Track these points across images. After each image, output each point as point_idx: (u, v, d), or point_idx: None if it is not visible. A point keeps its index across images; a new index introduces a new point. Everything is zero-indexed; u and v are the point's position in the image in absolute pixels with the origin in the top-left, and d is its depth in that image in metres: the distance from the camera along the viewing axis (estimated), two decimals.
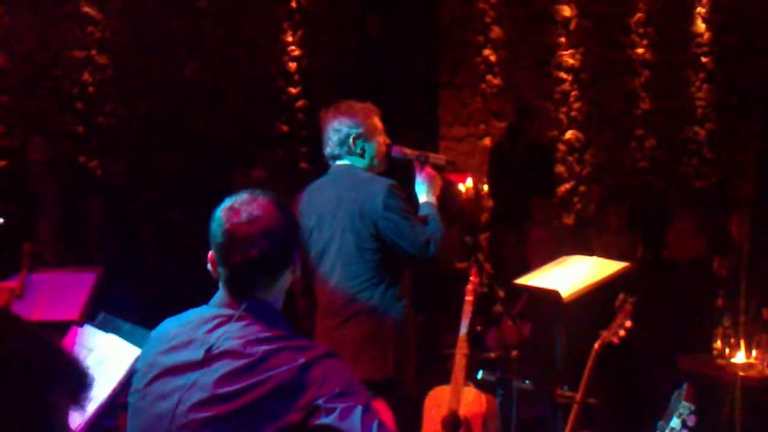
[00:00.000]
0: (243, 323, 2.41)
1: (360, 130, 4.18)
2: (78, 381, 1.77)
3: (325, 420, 2.28)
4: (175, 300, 2.98)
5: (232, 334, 2.39)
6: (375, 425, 2.29)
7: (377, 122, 4.25)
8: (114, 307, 4.46)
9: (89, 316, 4.32)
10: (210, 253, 2.49)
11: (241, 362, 2.33)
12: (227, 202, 2.49)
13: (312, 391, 2.29)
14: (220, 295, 2.50)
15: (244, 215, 2.44)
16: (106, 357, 3.28)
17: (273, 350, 2.34)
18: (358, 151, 4.19)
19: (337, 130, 4.18)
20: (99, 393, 3.18)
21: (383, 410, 2.56)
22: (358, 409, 2.29)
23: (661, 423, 3.75)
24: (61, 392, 1.71)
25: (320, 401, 2.28)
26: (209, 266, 2.51)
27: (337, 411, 2.28)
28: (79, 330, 3.60)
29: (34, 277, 4.45)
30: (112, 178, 7.32)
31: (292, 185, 5.74)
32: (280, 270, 2.48)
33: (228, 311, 2.44)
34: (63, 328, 4.06)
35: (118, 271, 6.45)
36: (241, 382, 2.31)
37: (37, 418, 1.67)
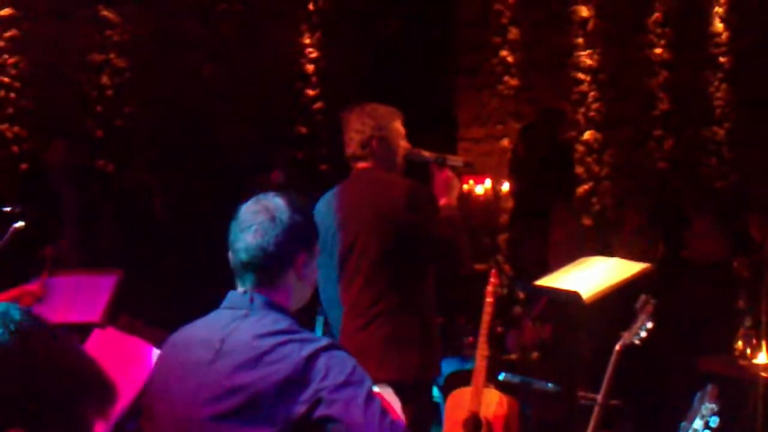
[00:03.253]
0: (253, 318, 2.43)
1: (383, 133, 4.16)
2: (105, 392, 1.71)
3: (327, 412, 2.28)
4: (192, 302, 2.99)
5: (243, 330, 2.42)
6: (377, 414, 2.29)
7: (400, 126, 4.23)
8: (133, 309, 4.47)
9: (110, 319, 4.33)
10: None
11: (248, 355, 2.36)
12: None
13: (316, 383, 2.30)
14: (231, 295, 2.53)
15: (254, 206, 2.50)
16: (128, 359, 3.28)
17: (278, 343, 2.36)
18: (380, 153, 4.17)
19: (359, 131, 4.16)
20: (121, 396, 3.18)
21: (388, 396, 2.55)
22: (360, 400, 2.29)
23: (683, 424, 3.73)
24: (87, 404, 1.65)
25: (323, 393, 2.29)
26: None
27: (339, 402, 2.28)
28: (101, 333, 3.61)
29: (54, 280, 4.46)
30: (131, 180, 7.34)
31: (311, 187, 5.74)
32: (281, 262, 2.48)
33: (238, 310, 2.46)
34: (85, 330, 4.08)
35: (137, 273, 6.46)
36: (249, 374, 2.34)
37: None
